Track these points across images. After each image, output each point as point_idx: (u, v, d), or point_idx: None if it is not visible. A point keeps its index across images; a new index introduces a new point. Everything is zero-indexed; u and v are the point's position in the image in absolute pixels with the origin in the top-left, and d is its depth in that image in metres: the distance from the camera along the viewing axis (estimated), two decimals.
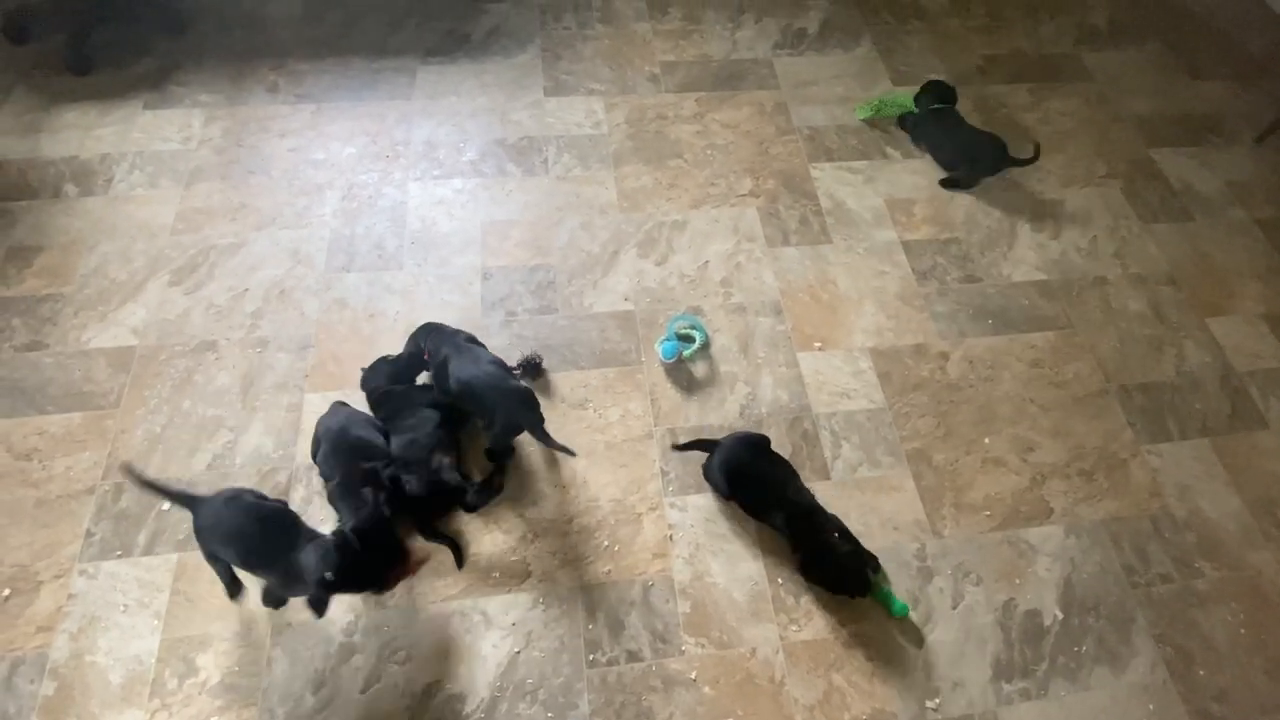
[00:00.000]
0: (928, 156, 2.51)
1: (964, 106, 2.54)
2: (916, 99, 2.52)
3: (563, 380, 1.93)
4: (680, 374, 1.98)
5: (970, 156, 2.40)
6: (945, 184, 2.44)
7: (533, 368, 1.91)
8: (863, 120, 2.58)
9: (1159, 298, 2.25)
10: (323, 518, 1.69)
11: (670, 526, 1.74)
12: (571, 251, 2.19)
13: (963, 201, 2.41)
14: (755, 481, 1.70)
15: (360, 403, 1.80)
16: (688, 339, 2.01)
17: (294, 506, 1.70)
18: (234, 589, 1.56)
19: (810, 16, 2.94)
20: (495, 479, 1.71)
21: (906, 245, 2.29)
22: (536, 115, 2.52)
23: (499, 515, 1.73)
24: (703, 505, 1.78)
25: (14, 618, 1.54)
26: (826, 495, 1.75)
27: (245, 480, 1.73)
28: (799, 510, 1.66)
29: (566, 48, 2.73)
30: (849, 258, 2.25)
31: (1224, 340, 2.17)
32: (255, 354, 1.93)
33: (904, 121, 2.56)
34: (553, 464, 1.81)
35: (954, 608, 1.68)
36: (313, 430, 1.75)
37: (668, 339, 1.97)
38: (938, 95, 2.48)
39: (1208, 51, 2.97)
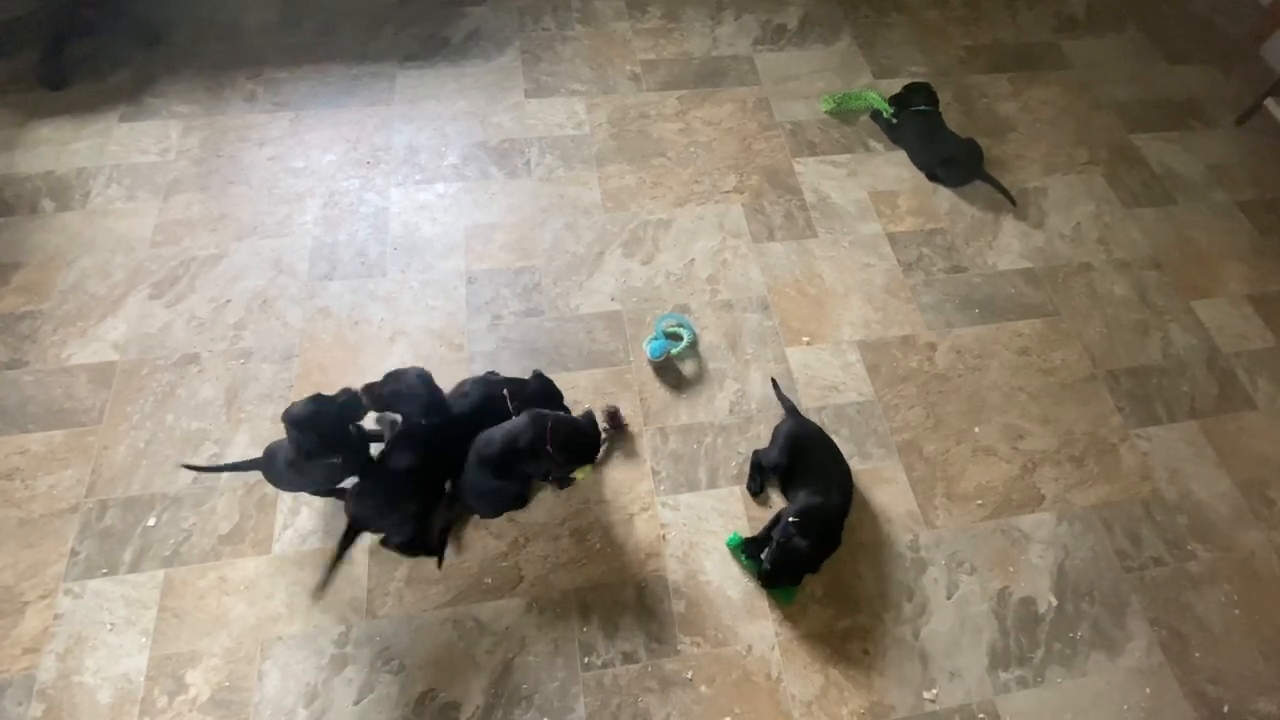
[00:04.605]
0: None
1: (944, 98, 2.55)
2: (894, 102, 2.51)
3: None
4: (669, 373, 1.97)
5: (946, 163, 2.41)
6: (931, 177, 2.44)
7: (614, 420, 1.84)
8: (826, 112, 2.58)
9: (1144, 282, 2.25)
10: (311, 528, 1.68)
11: (663, 526, 1.73)
12: (556, 253, 2.18)
13: (946, 193, 2.41)
14: (812, 455, 1.73)
15: None
16: (675, 337, 2.01)
17: (281, 517, 1.69)
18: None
19: (790, 11, 2.94)
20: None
21: (891, 237, 2.29)
22: (518, 117, 2.50)
23: (489, 521, 1.72)
24: (695, 504, 1.77)
25: None
26: None
27: (231, 491, 1.71)
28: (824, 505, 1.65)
29: (546, 49, 2.72)
30: (834, 251, 2.24)
31: (1209, 322, 2.18)
32: (239, 365, 1.91)
33: (878, 119, 2.56)
34: None
35: (948, 598, 1.68)
36: None
37: (655, 338, 1.96)
38: (917, 101, 2.46)
39: (1186, 36, 2.99)
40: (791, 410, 1.87)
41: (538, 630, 1.59)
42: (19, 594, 1.57)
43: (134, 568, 1.61)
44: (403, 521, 1.60)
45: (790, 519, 1.58)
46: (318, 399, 1.48)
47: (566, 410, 1.78)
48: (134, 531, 1.65)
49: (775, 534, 1.58)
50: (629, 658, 1.57)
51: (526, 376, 1.79)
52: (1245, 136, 2.66)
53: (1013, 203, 2.38)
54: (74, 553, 1.62)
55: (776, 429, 1.81)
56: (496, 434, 1.62)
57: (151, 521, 1.67)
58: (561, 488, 1.76)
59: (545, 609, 1.61)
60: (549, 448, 1.57)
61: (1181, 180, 2.52)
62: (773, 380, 1.93)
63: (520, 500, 1.73)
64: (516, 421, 1.62)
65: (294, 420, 1.45)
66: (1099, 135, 2.62)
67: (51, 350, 1.90)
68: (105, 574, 1.60)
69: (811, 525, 1.57)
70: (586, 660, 1.56)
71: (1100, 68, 2.84)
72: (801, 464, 1.72)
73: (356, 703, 1.49)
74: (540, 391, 1.76)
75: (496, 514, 1.72)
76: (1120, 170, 2.53)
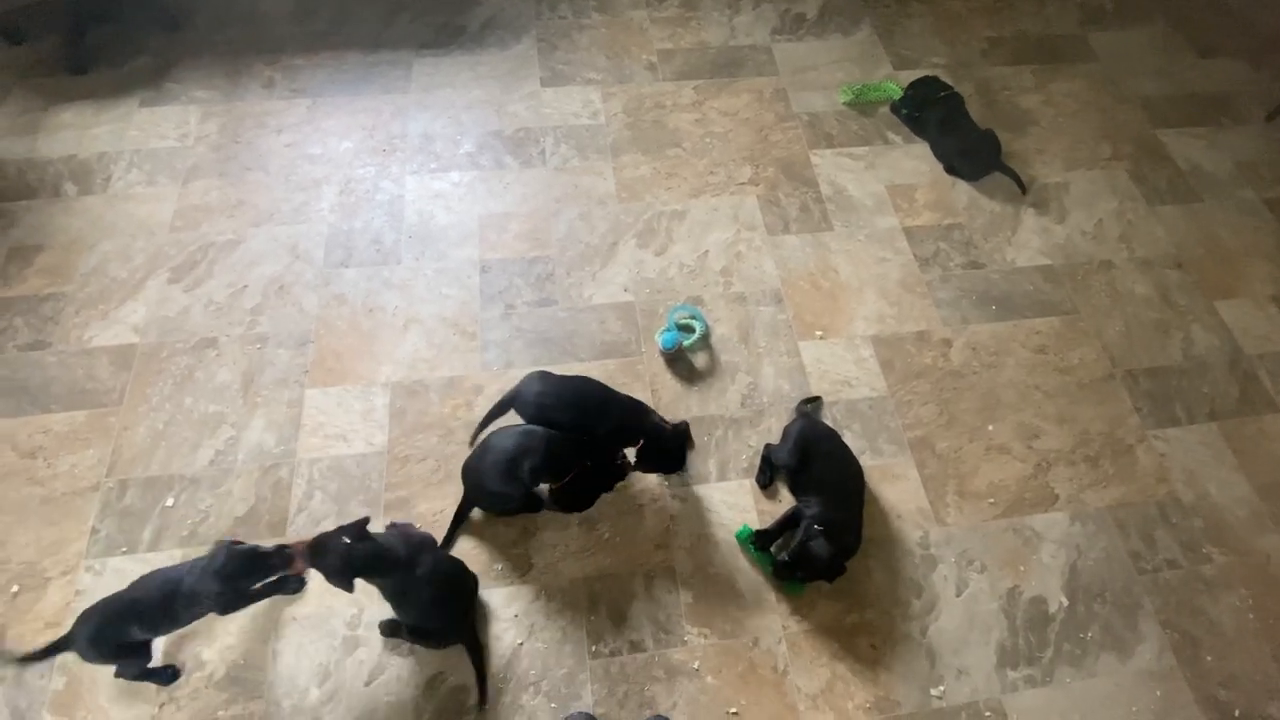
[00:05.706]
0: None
1: (965, 90, 2.51)
2: (908, 100, 2.48)
3: (564, 373, 1.92)
4: (681, 365, 1.97)
5: (964, 154, 2.38)
6: (950, 170, 2.41)
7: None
8: (845, 104, 2.55)
9: (1166, 281, 2.21)
10: (325, 512, 1.70)
11: (671, 518, 1.74)
12: (570, 243, 2.18)
13: (965, 187, 2.38)
14: (823, 458, 1.71)
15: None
16: (688, 329, 2.00)
17: (296, 500, 1.71)
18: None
19: (809, 1, 2.90)
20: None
21: (908, 231, 2.26)
22: (533, 106, 2.50)
23: None
24: (704, 496, 1.77)
25: (23, 613, 1.56)
26: None
27: (246, 475, 1.74)
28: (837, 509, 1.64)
29: (562, 37, 2.71)
30: (850, 245, 2.22)
31: (1233, 323, 2.14)
32: (255, 350, 1.93)
33: (896, 110, 2.53)
34: None
35: (958, 595, 1.67)
36: (314, 427, 1.77)
37: (668, 329, 1.96)
38: (927, 96, 2.43)
39: (1215, 29, 2.91)
40: (806, 415, 1.84)
41: (546, 618, 1.60)
42: (41, 570, 1.61)
43: (153, 547, 1.64)
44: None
45: (817, 525, 1.56)
46: (253, 553, 1.33)
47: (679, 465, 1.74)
48: (153, 511, 1.68)
49: (799, 532, 1.57)
50: (636, 646, 1.58)
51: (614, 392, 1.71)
52: (1275, 133, 2.59)
53: (1023, 190, 2.34)
54: (95, 531, 1.66)
55: (787, 429, 1.80)
56: (509, 444, 1.58)
57: (170, 502, 1.70)
58: (554, 507, 1.72)
59: (554, 596, 1.63)
60: (554, 486, 1.57)
61: (1208, 177, 2.46)
62: (817, 398, 1.91)
63: (533, 507, 1.71)
64: (533, 438, 1.58)
65: (222, 572, 1.30)
66: (1123, 130, 2.57)
67: (74, 332, 1.93)
68: (125, 552, 1.63)
69: (835, 537, 1.56)
70: (594, 648, 1.57)
71: (1127, 60, 2.78)
72: (813, 467, 1.70)
73: (367, 684, 1.51)
74: (673, 446, 1.68)
75: (503, 513, 1.71)
76: (1145, 166, 2.48)
